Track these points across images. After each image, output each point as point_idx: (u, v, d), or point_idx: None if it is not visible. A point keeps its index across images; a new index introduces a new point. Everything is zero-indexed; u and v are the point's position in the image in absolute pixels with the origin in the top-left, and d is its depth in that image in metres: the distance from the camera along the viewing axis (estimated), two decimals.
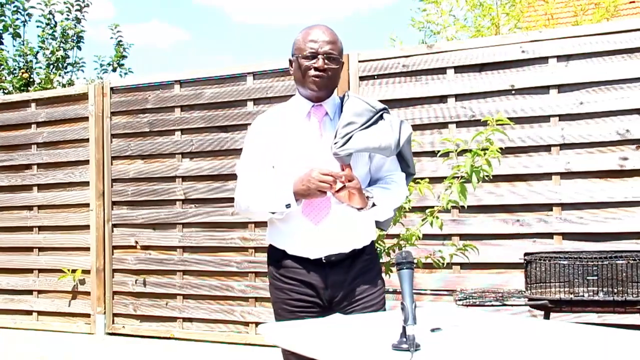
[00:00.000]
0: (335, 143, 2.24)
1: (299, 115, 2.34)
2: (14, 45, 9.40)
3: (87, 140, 6.00)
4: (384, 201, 2.27)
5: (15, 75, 9.12)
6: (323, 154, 2.25)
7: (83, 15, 9.55)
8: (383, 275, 2.60)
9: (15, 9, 9.29)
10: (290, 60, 2.37)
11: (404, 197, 2.43)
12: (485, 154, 3.23)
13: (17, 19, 9.30)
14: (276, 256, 2.41)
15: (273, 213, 2.29)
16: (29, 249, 6.28)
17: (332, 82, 2.31)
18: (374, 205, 2.23)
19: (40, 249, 6.23)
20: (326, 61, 2.26)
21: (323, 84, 2.28)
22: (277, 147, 2.30)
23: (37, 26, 9.30)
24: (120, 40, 9.70)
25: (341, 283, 2.31)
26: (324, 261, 2.31)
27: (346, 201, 2.17)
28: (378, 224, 2.50)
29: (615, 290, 3.39)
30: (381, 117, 2.33)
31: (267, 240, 2.45)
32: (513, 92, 4.48)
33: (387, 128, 2.29)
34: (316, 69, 2.25)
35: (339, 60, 2.31)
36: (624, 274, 3.40)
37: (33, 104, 6.35)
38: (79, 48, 9.49)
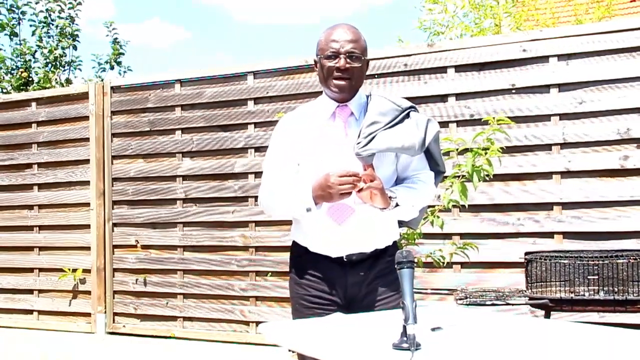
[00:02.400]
0: (358, 143, 2.21)
1: (324, 115, 2.32)
2: (10, 45, 9.40)
3: (87, 139, 6.00)
4: (408, 201, 2.24)
5: (14, 74, 9.12)
6: (348, 155, 2.22)
7: (76, 14, 9.53)
8: None
9: (10, 7, 9.27)
10: (314, 61, 2.35)
11: (431, 196, 2.39)
12: (486, 153, 3.23)
13: (13, 17, 9.28)
14: (298, 252, 2.39)
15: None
16: (30, 248, 6.28)
17: (355, 82, 2.28)
18: (397, 205, 2.20)
19: (41, 248, 6.23)
20: (348, 60, 2.23)
21: (346, 86, 2.25)
22: (302, 147, 2.28)
23: (31, 25, 9.28)
24: (116, 38, 9.68)
25: (361, 282, 2.29)
26: (345, 260, 2.29)
27: (368, 201, 2.14)
28: (406, 223, 2.47)
29: (616, 289, 3.39)
30: (407, 116, 2.29)
31: (291, 236, 2.44)
32: (513, 91, 4.48)
33: (413, 127, 2.25)
34: (338, 69, 2.23)
35: (362, 59, 2.27)
36: (624, 273, 3.40)
37: (33, 104, 6.35)
38: (75, 47, 9.47)
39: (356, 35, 2.28)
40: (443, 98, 4.69)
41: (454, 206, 3.61)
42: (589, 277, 3.45)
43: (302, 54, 5.18)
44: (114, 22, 9.61)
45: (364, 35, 2.31)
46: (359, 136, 2.23)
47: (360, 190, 2.11)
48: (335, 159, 2.23)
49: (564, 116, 4.34)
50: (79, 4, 9.50)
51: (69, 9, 9.42)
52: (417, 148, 2.23)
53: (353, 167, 2.19)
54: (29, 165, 6.33)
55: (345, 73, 2.24)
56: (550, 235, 4.34)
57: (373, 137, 2.21)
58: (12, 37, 9.32)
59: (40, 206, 6.25)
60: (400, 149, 2.22)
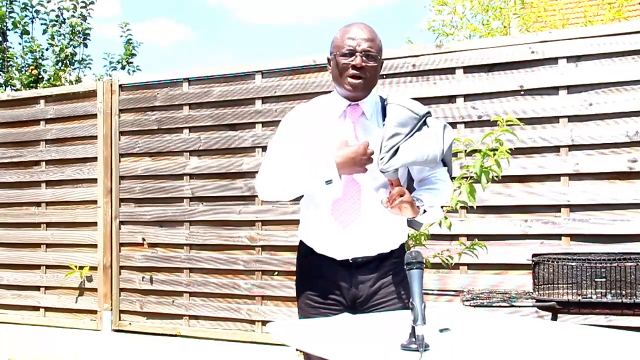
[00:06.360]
0: (382, 159, 2.19)
1: (334, 113, 2.30)
2: (20, 43, 9.46)
3: (95, 137, 6.02)
4: (434, 204, 2.24)
5: (24, 72, 9.17)
6: None
7: (89, 13, 9.60)
8: None
9: (23, 5, 9.34)
10: (328, 59, 2.33)
11: (450, 193, 2.40)
12: (494, 154, 3.22)
13: (26, 15, 9.35)
14: (305, 252, 2.39)
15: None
16: (37, 245, 6.30)
17: (370, 81, 2.26)
18: (424, 211, 2.20)
19: (48, 245, 6.26)
20: (364, 59, 2.21)
21: (361, 85, 2.23)
22: (310, 144, 2.26)
23: (42, 23, 9.34)
24: (130, 39, 9.76)
25: (366, 284, 2.29)
26: (350, 262, 2.29)
27: (398, 214, 2.13)
28: (411, 224, 2.46)
29: (624, 292, 3.38)
30: (425, 123, 2.27)
31: (298, 236, 2.44)
32: (522, 92, 4.47)
33: (432, 137, 2.23)
34: (354, 67, 2.21)
35: (378, 59, 2.26)
36: (632, 276, 3.38)
37: (42, 101, 6.37)
38: (86, 45, 9.54)
39: (372, 35, 2.26)
40: (451, 99, 4.68)
41: (461, 207, 3.61)
42: (596, 279, 3.44)
43: (309, 54, 5.18)
44: (128, 23, 9.70)
45: (379, 35, 2.30)
46: (380, 151, 2.20)
47: (392, 207, 2.10)
48: None
49: (572, 118, 4.33)
50: (92, 2, 9.58)
51: (81, 7, 9.49)
52: (439, 159, 2.23)
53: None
54: (36, 163, 6.35)
55: (360, 71, 2.22)
56: (557, 237, 4.33)
57: (396, 151, 2.19)
58: (23, 35, 9.37)
59: (48, 203, 6.27)
60: (423, 162, 2.21)
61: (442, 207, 2.42)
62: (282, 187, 2.26)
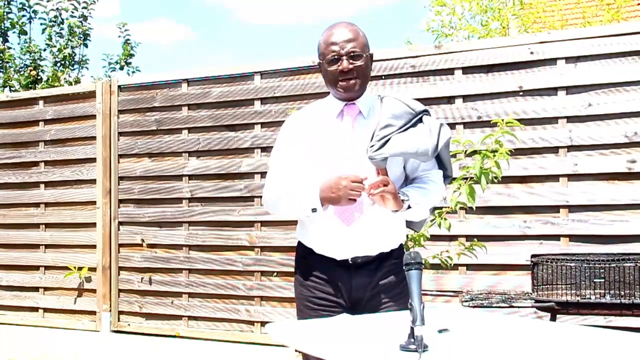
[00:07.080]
0: (372, 146, 2.19)
1: (331, 114, 2.31)
2: (18, 43, 9.44)
3: (94, 138, 6.02)
4: (420, 202, 2.24)
5: (23, 73, 9.16)
6: (355, 153, 2.21)
7: (89, 13, 9.59)
8: None
9: (21, 6, 9.33)
10: (318, 64, 2.34)
11: (441, 196, 2.38)
12: (494, 155, 3.22)
13: (23, 16, 9.34)
14: (303, 253, 2.39)
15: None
16: (36, 246, 6.30)
17: (362, 79, 2.27)
18: (409, 207, 2.19)
19: (47, 246, 6.25)
20: (350, 60, 2.22)
21: (353, 84, 2.24)
22: (310, 146, 2.27)
23: (41, 24, 9.33)
24: (128, 39, 9.76)
25: (366, 285, 2.29)
26: (350, 262, 2.29)
27: (381, 204, 2.13)
28: (410, 225, 2.47)
29: (623, 293, 3.38)
30: (420, 120, 2.27)
31: (296, 237, 2.44)
32: (521, 93, 4.47)
33: (426, 132, 2.23)
34: (342, 71, 2.22)
35: (364, 56, 2.25)
36: (631, 277, 3.39)
37: (41, 102, 6.37)
38: (86, 46, 9.53)
39: (354, 33, 2.26)
40: (450, 100, 4.68)
41: (460, 208, 3.61)
42: (595, 280, 3.44)
43: (309, 54, 5.18)
44: (126, 23, 9.69)
45: (362, 31, 2.29)
46: (371, 139, 2.21)
47: (373, 195, 2.10)
48: (343, 157, 2.22)
49: (571, 119, 4.33)
50: (93, 2, 9.57)
51: (82, 8, 9.48)
52: (430, 154, 2.23)
53: (361, 166, 2.18)
54: (35, 163, 6.35)
55: (349, 74, 2.23)
56: (556, 237, 4.33)
57: (387, 141, 2.19)
58: (20, 35, 9.36)
59: (47, 204, 6.27)
60: (414, 154, 2.21)
61: (435, 209, 2.42)
62: (280, 211, 2.37)
